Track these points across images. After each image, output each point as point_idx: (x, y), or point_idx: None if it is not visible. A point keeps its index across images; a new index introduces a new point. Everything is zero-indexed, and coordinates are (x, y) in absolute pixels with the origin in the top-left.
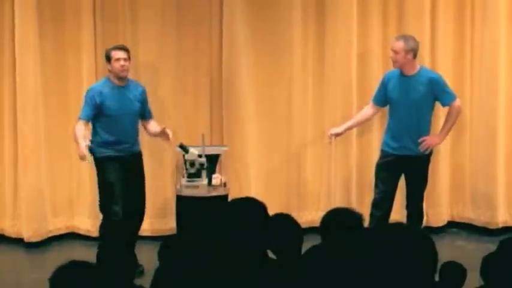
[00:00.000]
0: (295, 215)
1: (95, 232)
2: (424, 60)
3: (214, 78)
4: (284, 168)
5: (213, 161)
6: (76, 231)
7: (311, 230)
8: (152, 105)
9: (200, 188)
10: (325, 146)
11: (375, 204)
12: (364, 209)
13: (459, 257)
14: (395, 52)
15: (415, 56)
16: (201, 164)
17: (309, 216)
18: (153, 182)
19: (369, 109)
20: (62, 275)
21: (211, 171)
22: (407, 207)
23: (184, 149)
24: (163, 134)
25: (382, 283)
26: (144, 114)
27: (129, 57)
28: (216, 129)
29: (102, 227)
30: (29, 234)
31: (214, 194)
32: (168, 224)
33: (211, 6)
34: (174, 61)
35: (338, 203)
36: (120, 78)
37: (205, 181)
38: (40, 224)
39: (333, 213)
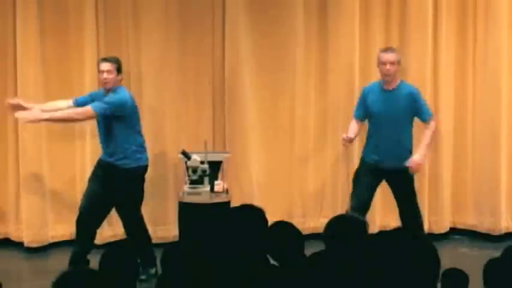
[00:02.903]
0: (297, 221)
1: (98, 240)
2: (426, 67)
3: (217, 84)
4: (286, 174)
5: (215, 167)
6: None
7: (314, 236)
8: (154, 112)
9: (202, 194)
10: (327, 153)
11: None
12: (367, 215)
13: (462, 264)
14: (392, 63)
15: None
16: (203, 171)
17: (312, 223)
18: (155, 189)
19: (355, 125)
20: (64, 281)
21: (213, 178)
22: (403, 223)
23: (186, 155)
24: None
25: None
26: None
27: (118, 69)
28: (219, 135)
29: None
30: (29, 240)
31: (216, 200)
32: (171, 231)
33: (213, 13)
34: (177, 68)
35: (341, 209)
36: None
37: (207, 188)
38: (41, 229)
39: (336, 220)
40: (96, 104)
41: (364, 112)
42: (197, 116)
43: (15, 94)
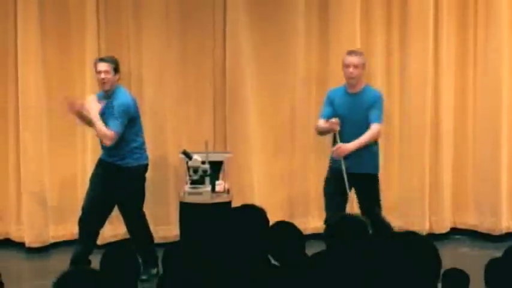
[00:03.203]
0: (299, 221)
1: (99, 240)
2: (427, 67)
3: (218, 85)
4: (288, 174)
5: (216, 167)
6: None
7: (315, 236)
8: (156, 112)
9: (203, 194)
10: (328, 153)
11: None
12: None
13: (462, 264)
14: (356, 66)
15: None
16: (205, 171)
17: (313, 222)
18: (157, 189)
19: (321, 121)
20: (65, 281)
21: (214, 178)
22: None
23: (187, 155)
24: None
25: None
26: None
27: (115, 69)
28: (220, 135)
29: None
30: (30, 240)
31: (217, 200)
32: (172, 231)
33: (214, 14)
34: (178, 69)
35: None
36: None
37: (208, 188)
38: (42, 229)
39: (338, 219)
40: (113, 123)
41: (332, 113)
42: (198, 116)
43: (16, 96)
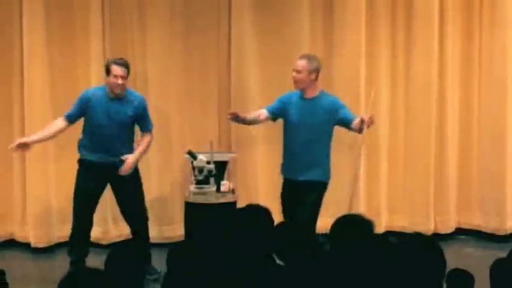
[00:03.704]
0: None
1: (103, 239)
2: (432, 69)
3: (223, 85)
4: None
5: (221, 167)
6: None
7: (320, 236)
8: (161, 112)
9: (208, 194)
10: (332, 152)
11: None
12: (373, 216)
13: (467, 264)
14: (298, 71)
15: (317, 77)
16: (210, 171)
17: (318, 222)
18: (162, 189)
19: (258, 112)
20: (70, 281)
21: (219, 178)
22: None
23: (192, 155)
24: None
25: None
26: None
27: (128, 73)
28: (224, 136)
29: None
30: (35, 240)
31: (222, 200)
32: (177, 231)
33: (219, 12)
34: (182, 67)
35: (346, 211)
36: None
37: (213, 188)
38: (47, 230)
39: (343, 219)
40: (146, 126)
41: (279, 111)
42: (203, 115)
43: (22, 96)
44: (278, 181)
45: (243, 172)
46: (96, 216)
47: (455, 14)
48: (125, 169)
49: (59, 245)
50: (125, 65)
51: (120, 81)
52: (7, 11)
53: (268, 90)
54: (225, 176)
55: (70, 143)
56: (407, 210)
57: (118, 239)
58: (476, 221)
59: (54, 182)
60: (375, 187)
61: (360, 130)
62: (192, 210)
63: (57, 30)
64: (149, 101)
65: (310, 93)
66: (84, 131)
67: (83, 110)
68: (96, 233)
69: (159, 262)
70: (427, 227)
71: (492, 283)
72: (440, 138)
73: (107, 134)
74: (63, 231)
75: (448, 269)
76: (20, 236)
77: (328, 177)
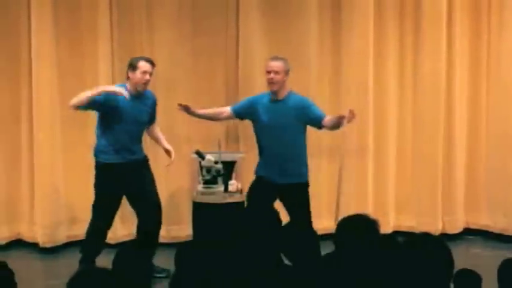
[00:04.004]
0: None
1: (112, 239)
2: (440, 68)
3: (230, 86)
4: None
5: (229, 167)
6: None
7: (327, 237)
8: (168, 112)
9: (216, 194)
10: (340, 153)
11: None
12: (381, 216)
13: (475, 265)
14: (276, 72)
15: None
16: (217, 171)
17: (325, 223)
18: (169, 189)
19: (220, 110)
20: (79, 280)
21: (227, 178)
22: None
23: (200, 155)
24: (167, 152)
25: None
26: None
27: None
28: (232, 135)
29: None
30: (44, 240)
31: (230, 200)
32: (185, 231)
33: (227, 12)
34: (190, 67)
35: (354, 209)
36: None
37: (221, 187)
38: (55, 229)
39: (348, 219)
40: (155, 118)
41: (245, 111)
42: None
43: (30, 97)
44: None
45: (251, 172)
46: None
47: (464, 15)
48: (174, 159)
49: (66, 245)
50: (153, 63)
51: (147, 76)
52: (15, 11)
53: None
54: (233, 176)
55: (78, 145)
56: (415, 210)
57: (126, 239)
58: (484, 221)
59: (62, 182)
60: (383, 187)
61: (337, 125)
62: (200, 210)
63: (65, 31)
64: (157, 102)
65: (281, 94)
66: (105, 133)
67: (105, 104)
68: None
69: (166, 262)
70: (435, 227)
71: (500, 283)
72: (448, 139)
73: (130, 132)
74: (71, 231)
75: (455, 269)
76: (27, 236)
77: (307, 176)
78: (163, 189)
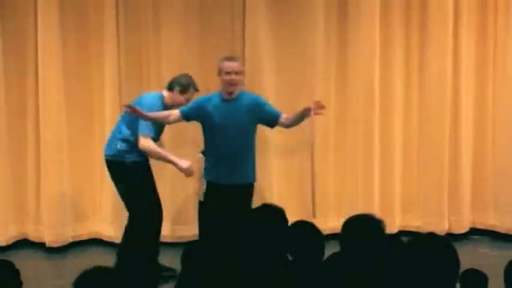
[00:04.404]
0: (317, 221)
1: (118, 238)
2: (446, 67)
3: None
4: (306, 174)
5: None
6: (99, 237)
7: (333, 236)
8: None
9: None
10: (347, 153)
11: None
12: (387, 216)
13: (481, 264)
14: (237, 73)
15: None
16: None
17: (331, 223)
18: (175, 188)
19: (175, 113)
20: (85, 280)
21: None
22: None
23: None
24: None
25: None
26: None
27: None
28: None
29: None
30: (50, 239)
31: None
32: (191, 231)
33: (233, 15)
34: (197, 68)
35: (360, 209)
36: None
37: None
38: (62, 229)
39: (354, 219)
40: None
41: (194, 112)
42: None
43: (36, 94)
44: (293, 181)
45: (257, 172)
46: (111, 215)
47: (470, 15)
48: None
49: (73, 245)
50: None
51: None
52: (22, 11)
53: (282, 91)
54: None
55: (84, 143)
56: (421, 210)
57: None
58: (491, 221)
59: (69, 181)
60: (389, 186)
61: (301, 119)
62: (206, 210)
63: (71, 31)
64: None
65: (235, 94)
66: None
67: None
68: (110, 232)
69: (172, 261)
70: (441, 227)
71: (507, 283)
72: (455, 138)
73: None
74: (77, 230)
75: (462, 269)
76: (34, 236)
77: (255, 177)
78: (169, 189)
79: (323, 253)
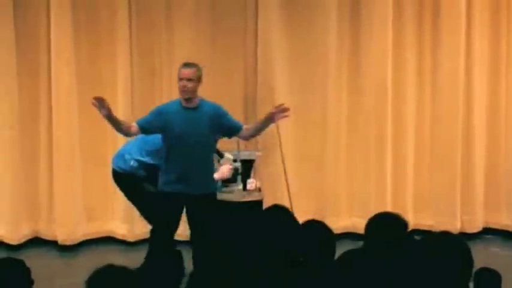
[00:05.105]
0: (328, 220)
1: (130, 237)
2: (459, 66)
3: (249, 85)
4: (318, 173)
5: (247, 166)
6: (111, 235)
7: (345, 235)
8: None
9: (235, 192)
10: (359, 152)
11: None
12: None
13: (494, 264)
14: (190, 80)
15: None
16: (236, 169)
17: (343, 222)
18: None
19: (134, 126)
20: (98, 278)
21: (246, 176)
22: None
23: (219, 153)
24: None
25: None
26: None
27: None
28: None
29: None
30: (62, 238)
31: (249, 199)
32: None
33: (246, 15)
34: (209, 67)
35: (373, 208)
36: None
37: (240, 186)
38: (74, 227)
39: (378, 217)
40: None
41: (153, 124)
42: (229, 113)
43: (49, 94)
44: (305, 179)
45: (270, 171)
46: (123, 214)
47: (483, 12)
48: None
49: (85, 243)
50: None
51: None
52: (35, 12)
53: (294, 90)
54: (252, 174)
55: (96, 142)
56: (433, 209)
57: (144, 237)
58: (504, 220)
59: (81, 180)
60: (402, 186)
61: (264, 127)
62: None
63: (84, 31)
64: None
65: (194, 102)
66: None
67: None
68: (122, 231)
69: (185, 260)
70: (454, 226)
71: None
72: (467, 137)
73: None
74: (89, 228)
75: (474, 268)
76: (46, 234)
77: (216, 187)
78: None
79: (334, 252)
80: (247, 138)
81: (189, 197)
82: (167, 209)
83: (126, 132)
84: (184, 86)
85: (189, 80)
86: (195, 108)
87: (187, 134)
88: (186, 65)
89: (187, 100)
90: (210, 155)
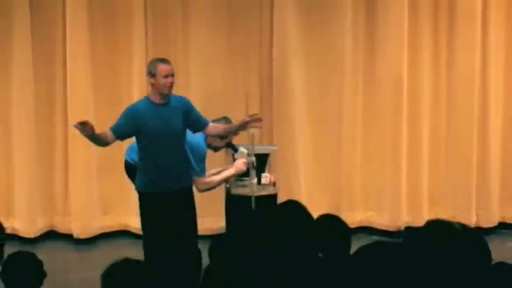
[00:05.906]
0: (344, 215)
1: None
2: (475, 62)
3: (265, 83)
4: (333, 168)
5: (262, 160)
6: (127, 229)
7: (360, 230)
8: (203, 108)
9: (249, 187)
10: (374, 147)
11: None
12: (414, 208)
13: (510, 259)
14: (173, 75)
15: None
16: (251, 163)
17: (358, 216)
18: None
19: (110, 135)
20: (114, 272)
21: (260, 171)
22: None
23: (233, 148)
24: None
25: (434, 283)
26: None
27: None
28: (266, 128)
29: None
30: (78, 231)
31: (263, 193)
32: (217, 223)
33: (262, 13)
34: (225, 64)
35: (387, 203)
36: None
37: (254, 180)
38: (89, 221)
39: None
40: None
41: (128, 130)
42: (245, 109)
43: (65, 95)
44: (319, 174)
45: (284, 165)
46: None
47: (499, 9)
48: None
49: (101, 236)
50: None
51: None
52: (51, 4)
53: (310, 88)
54: (266, 168)
55: None
56: (449, 203)
57: None
58: None
59: (96, 173)
60: (417, 180)
61: (233, 131)
62: (233, 203)
63: (100, 31)
64: (192, 99)
65: (167, 98)
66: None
67: None
68: (138, 224)
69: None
70: (469, 221)
71: None
72: (483, 132)
73: None
74: (105, 222)
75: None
76: (62, 228)
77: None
78: None
79: (349, 247)
80: (211, 135)
81: (175, 193)
82: (165, 215)
83: (105, 143)
84: (171, 83)
85: (173, 75)
86: (165, 104)
87: (162, 131)
88: (164, 60)
89: (166, 96)
90: (183, 148)
